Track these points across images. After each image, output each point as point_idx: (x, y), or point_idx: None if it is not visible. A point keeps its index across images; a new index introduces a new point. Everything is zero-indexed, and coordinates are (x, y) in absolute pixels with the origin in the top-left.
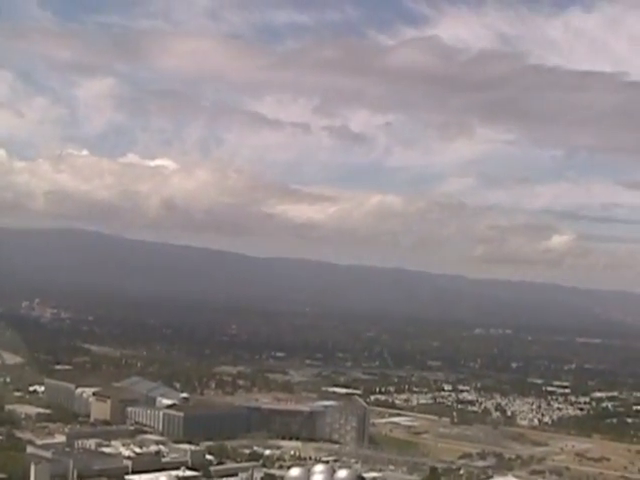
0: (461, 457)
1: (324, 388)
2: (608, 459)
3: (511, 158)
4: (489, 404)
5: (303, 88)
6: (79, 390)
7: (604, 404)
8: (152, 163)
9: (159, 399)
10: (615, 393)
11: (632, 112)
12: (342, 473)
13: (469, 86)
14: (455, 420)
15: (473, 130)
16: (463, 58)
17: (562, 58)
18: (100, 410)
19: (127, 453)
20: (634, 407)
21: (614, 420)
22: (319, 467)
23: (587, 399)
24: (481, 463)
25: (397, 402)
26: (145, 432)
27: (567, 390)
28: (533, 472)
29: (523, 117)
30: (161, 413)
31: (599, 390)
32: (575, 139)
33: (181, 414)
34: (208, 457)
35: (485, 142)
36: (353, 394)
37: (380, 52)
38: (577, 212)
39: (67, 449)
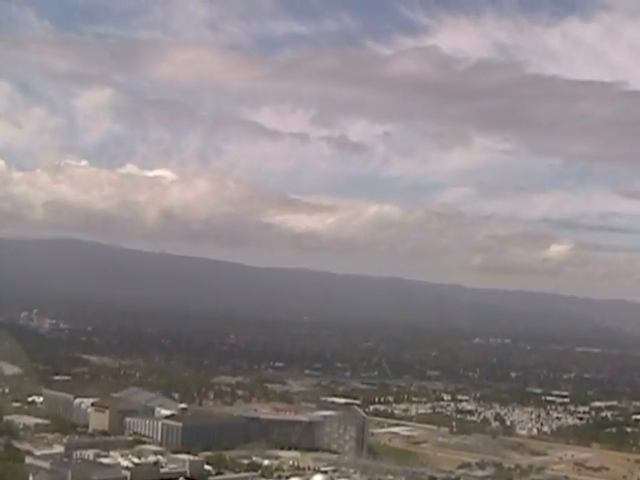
0: (460, 467)
1: (323, 398)
2: (607, 468)
3: (509, 167)
4: (488, 414)
5: (301, 98)
6: (78, 400)
7: (603, 413)
8: (150, 173)
9: (158, 409)
10: (614, 402)
11: (631, 121)
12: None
13: (467, 95)
14: (454, 430)
15: (471, 139)
16: (461, 67)
17: (560, 67)
18: (99, 420)
19: (126, 463)
20: (633, 416)
21: (613, 429)
22: (318, 477)
23: (586, 408)
24: (480, 473)
25: (396, 412)
26: (144, 442)
27: (566, 399)
28: None
29: (521, 126)
30: (160, 423)
31: (598, 399)
32: (573, 148)
33: (180, 424)
34: (207, 467)
35: (483, 151)
36: (352, 404)
37: (378, 62)
38: (575, 221)
39: (65, 460)
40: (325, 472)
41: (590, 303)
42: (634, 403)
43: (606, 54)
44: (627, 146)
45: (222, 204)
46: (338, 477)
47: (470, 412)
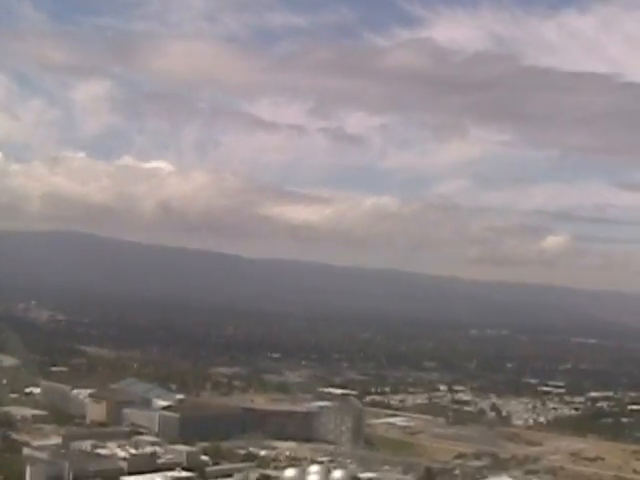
0: (456, 457)
1: (319, 389)
2: (603, 459)
3: (505, 159)
4: (484, 404)
5: (299, 90)
6: (75, 392)
7: (599, 404)
8: (148, 165)
9: (155, 400)
10: (610, 393)
11: (626, 113)
12: (337, 474)
13: (464, 87)
14: (450, 420)
15: (467, 131)
16: (458, 59)
17: (557, 59)
18: (96, 412)
19: (122, 454)
20: (629, 407)
21: (609, 420)
22: (314, 468)
23: (582, 399)
24: (476, 463)
25: (392, 402)
26: (141, 433)
27: (562, 390)
28: (528, 472)
29: (517, 118)
30: (157, 414)
31: (594, 390)
32: (569, 140)
33: (177, 415)
34: (203, 458)
35: (480, 143)
36: (349, 395)
37: (375, 54)
38: (571, 213)
39: (63, 451)
40: (322, 463)
41: (586, 294)
42: (630, 394)
43: (602, 46)
44: (623, 138)
45: (219, 196)
46: (335, 468)
47: (466, 403)
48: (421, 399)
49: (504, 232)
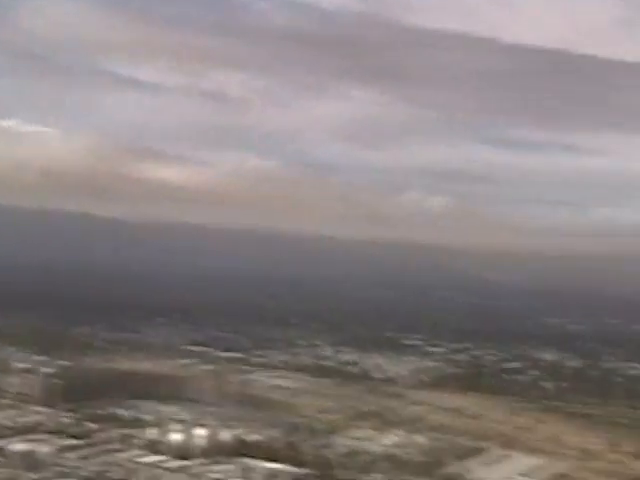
0: (321, 412)
1: (185, 347)
2: (483, 415)
3: (386, 119)
4: (365, 364)
5: (179, 53)
6: None
7: (481, 362)
8: (9, 125)
9: (18, 364)
10: (492, 351)
11: (507, 73)
12: (201, 432)
13: (343, 48)
14: (324, 378)
15: (347, 92)
16: (338, 21)
17: (439, 22)
18: None
19: None
20: (510, 364)
21: (490, 378)
22: (179, 427)
23: (465, 357)
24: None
25: (254, 360)
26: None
27: (444, 349)
28: (410, 430)
29: (398, 79)
30: (20, 378)
31: (477, 348)
32: (451, 100)
33: (42, 378)
34: (66, 420)
35: (359, 104)
36: (215, 354)
37: (254, 14)
38: (454, 174)
39: None
40: (187, 422)
41: (469, 255)
42: (512, 351)
43: (481, 8)
44: (505, 98)
45: (94, 158)
46: (200, 427)
47: (347, 363)
48: (286, 356)
49: (385, 192)
